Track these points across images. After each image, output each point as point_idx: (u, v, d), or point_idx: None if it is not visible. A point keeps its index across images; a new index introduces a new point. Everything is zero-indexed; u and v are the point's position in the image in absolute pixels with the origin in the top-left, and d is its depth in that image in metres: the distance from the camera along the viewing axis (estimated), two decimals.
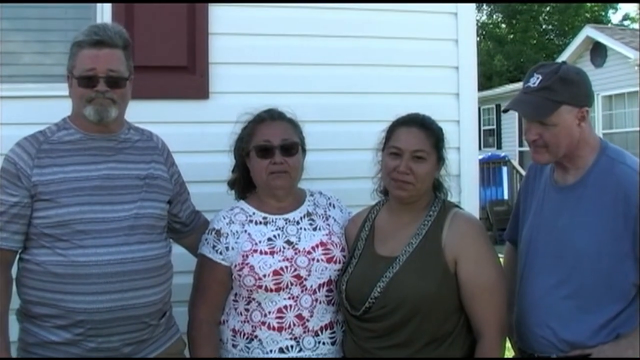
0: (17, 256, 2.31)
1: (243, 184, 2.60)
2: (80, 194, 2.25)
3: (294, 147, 2.49)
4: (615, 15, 46.91)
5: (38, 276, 2.24)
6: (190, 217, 2.67)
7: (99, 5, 3.18)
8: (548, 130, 2.23)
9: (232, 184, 2.65)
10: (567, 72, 2.25)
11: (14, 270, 2.33)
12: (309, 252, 2.43)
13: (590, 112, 2.30)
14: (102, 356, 2.26)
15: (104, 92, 2.28)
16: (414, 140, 2.36)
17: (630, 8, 33.09)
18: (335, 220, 2.58)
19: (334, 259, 2.45)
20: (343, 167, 3.26)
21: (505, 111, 2.38)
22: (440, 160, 2.43)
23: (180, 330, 2.53)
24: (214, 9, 3.26)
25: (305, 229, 2.49)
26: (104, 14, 3.16)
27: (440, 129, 2.45)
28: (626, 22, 31.74)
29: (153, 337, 2.38)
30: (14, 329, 2.33)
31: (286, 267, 2.38)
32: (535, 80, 2.25)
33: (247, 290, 2.41)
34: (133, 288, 2.26)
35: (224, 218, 2.50)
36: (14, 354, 2.31)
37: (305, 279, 2.40)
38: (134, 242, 2.29)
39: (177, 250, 2.72)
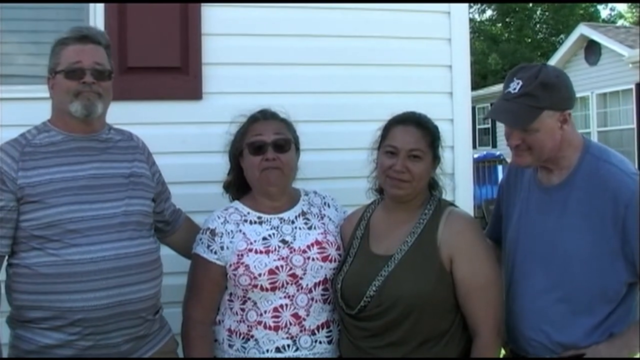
0: (5, 262, 2.28)
1: (237, 185, 2.59)
2: (67, 193, 2.24)
3: (286, 144, 2.49)
4: (604, 11, 47.05)
5: (29, 279, 2.22)
6: (172, 215, 2.68)
7: (91, 6, 3.16)
8: (530, 136, 2.20)
9: (226, 187, 2.64)
10: (548, 76, 2.19)
11: (2, 276, 2.30)
12: (304, 251, 2.42)
13: (573, 112, 2.26)
14: (101, 354, 2.25)
15: (91, 85, 2.28)
16: (411, 139, 2.36)
17: (620, 7, 33.19)
18: (330, 219, 2.57)
19: (329, 257, 2.44)
20: (338, 167, 3.24)
21: (486, 119, 2.35)
22: (436, 159, 2.42)
23: (172, 330, 2.53)
24: (207, 10, 3.25)
25: (300, 228, 2.48)
26: (97, 15, 3.15)
27: (436, 128, 2.45)
28: (615, 19, 31.82)
29: (150, 334, 2.38)
30: (4, 333, 2.32)
31: (281, 266, 2.38)
32: (515, 86, 2.20)
33: (243, 290, 2.40)
34: (130, 283, 2.26)
35: (219, 218, 2.49)
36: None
37: (301, 278, 2.40)
38: (125, 239, 2.29)
39: (169, 251, 2.71)
